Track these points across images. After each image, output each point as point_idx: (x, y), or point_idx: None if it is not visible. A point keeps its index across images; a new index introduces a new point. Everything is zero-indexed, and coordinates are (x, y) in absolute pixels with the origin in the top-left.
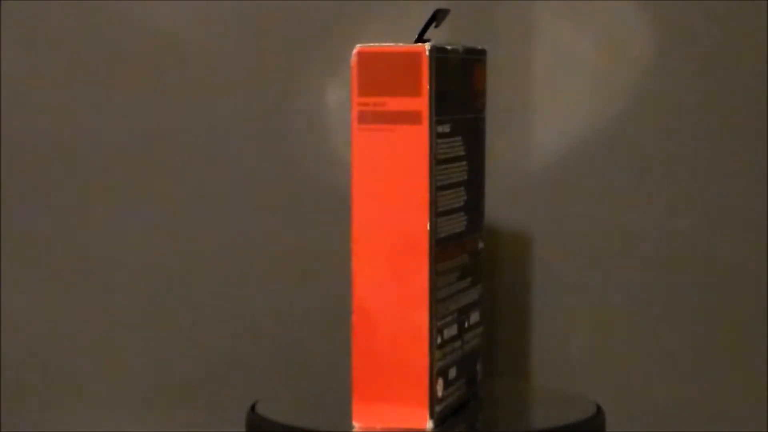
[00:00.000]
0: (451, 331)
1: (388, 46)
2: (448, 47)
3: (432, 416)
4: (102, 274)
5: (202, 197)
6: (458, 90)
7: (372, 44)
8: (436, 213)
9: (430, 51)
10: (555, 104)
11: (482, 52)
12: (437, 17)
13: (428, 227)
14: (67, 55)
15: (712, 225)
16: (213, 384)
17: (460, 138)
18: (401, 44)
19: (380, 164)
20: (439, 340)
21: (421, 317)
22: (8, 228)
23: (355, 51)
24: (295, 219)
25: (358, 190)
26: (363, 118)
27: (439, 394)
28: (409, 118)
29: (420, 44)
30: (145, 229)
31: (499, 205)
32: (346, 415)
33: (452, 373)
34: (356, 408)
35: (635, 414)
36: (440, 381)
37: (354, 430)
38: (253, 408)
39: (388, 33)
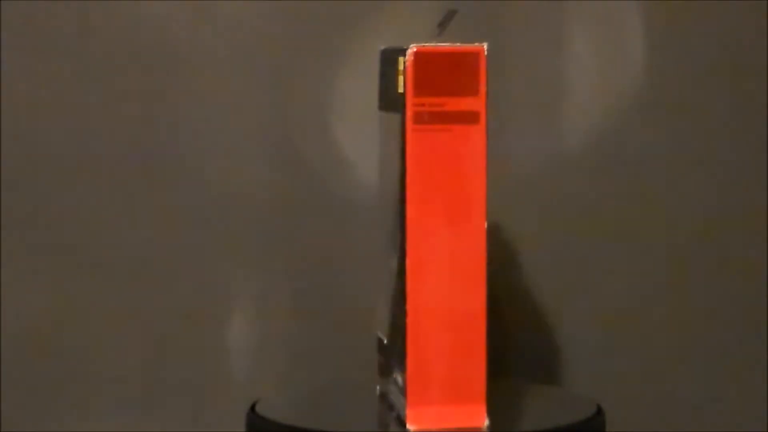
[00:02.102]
0: None
1: (444, 46)
2: None
3: (488, 413)
4: (102, 275)
5: (204, 197)
6: None
7: (427, 44)
8: None
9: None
10: (554, 104)
11: None
12: (451, 16)
13: (486, 226)
14: (67, 56)
15: (712, 224)
16: (213, 384)
17: None
18: (457, 44)
19: (436, 165)
20: None
21: (480, 317)
22: (8, 227)
23: (411, 51)
24: (296, 219)
25: (413, 191)
26: (419, 118)
27: None
28: (467, 118)
29: (477, 44)
30: (145, 229)
31: (499, 205)
32: (346, 415)
33: None
34: (410, 412)
35: (635, 414)
36: None
37: (411, 430)
38: (253, 408)
39: (391, 33)
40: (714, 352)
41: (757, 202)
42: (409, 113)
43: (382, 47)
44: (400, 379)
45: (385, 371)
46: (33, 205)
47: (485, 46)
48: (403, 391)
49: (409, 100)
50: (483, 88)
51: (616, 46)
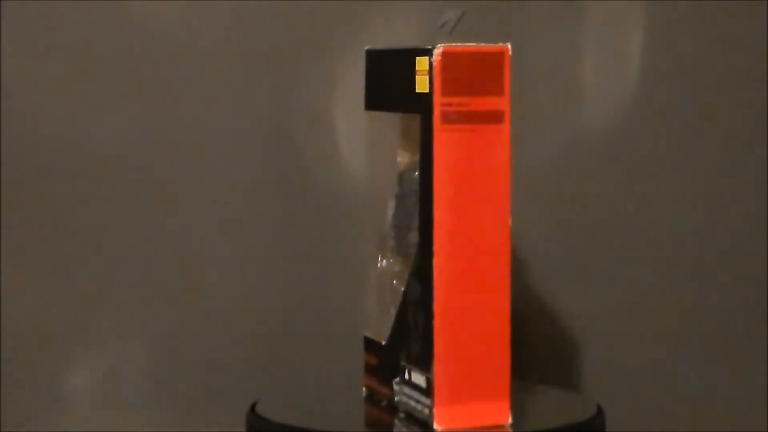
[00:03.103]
0: None
1: (470, 45)
2: None
3: (511, 410)
4: (102, 275)
5: (203, 198)
6: None
7: (454, 44)
8: None
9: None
10: (553, 104)
11: None
12: (460, 16)
13: (509, 224)
14: (67, 55)
15: (712, 225)
16: (213, 384)
17: None
18: (482, 44)
19: (462, 165)
20: None
21: (504, 313)
22: (8, 228)
23: (438, 51)
24: (297, 219)
25: (440, 191)
26: (446, 118)
27: None
28: (492, 117)
29: (501, 44)
30: (146, 229)
31: None
32: (346, 415)
33: None
34: (438, 411)
35: (635, 414)
36: None
37: (439, 430)
38: (253, 408)
39: (391, 33)
40: (714, 352)
41: (758, 202)
42: (436, 113)
43: (367, 47)
44: (421, 380)
45: (378, 372)
46: (33, 205)
47: (509, 45)
48: (426, 391)
49: (437, 100)
50: (507, 88)
51: (625, 47)
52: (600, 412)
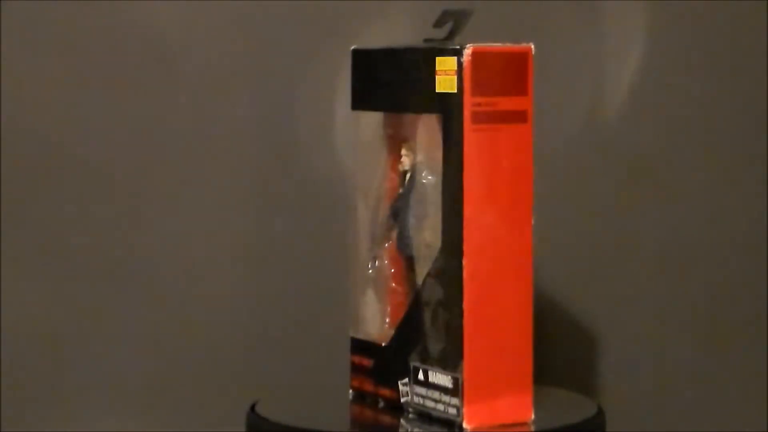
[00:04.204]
0: None
1: (497, 45)
2: None
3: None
4: (103, 275)
5: (204, 198)
6: None
7: (482, 44)
8: None
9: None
10: (553, 104)
11: None
12: (467, 17)
13: (533, 223)
14: (67, 55)
15: (711, 225)
16: (213, 384)
17: None
18: (508, 44)
19: (490, 163)
20: None
21: (527, 308)
22: (8, 228)
23: (468, 51)
24: (297, 219)
25: (470, 191)
26: (476, 118)
27: None
28: (516, 117)
29: (525, 44)
30: (146, 230)
31: None
32: (346, 415)
33: None
34: (467, 410)
35: (635, 414)
36: None
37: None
38: (253, 408)
39: (389, 33)
40: (714, 352)
41: (758, 202)
42: (466, 113)
43: (353, 47)
44: (446, 380)
45: (375, 373)
46: (33, 206)
47: (532, 45)
48: (452, 390)
49: (467, 100)
50: (530, 88)
51: (615, 45)
52: (600, 412)
